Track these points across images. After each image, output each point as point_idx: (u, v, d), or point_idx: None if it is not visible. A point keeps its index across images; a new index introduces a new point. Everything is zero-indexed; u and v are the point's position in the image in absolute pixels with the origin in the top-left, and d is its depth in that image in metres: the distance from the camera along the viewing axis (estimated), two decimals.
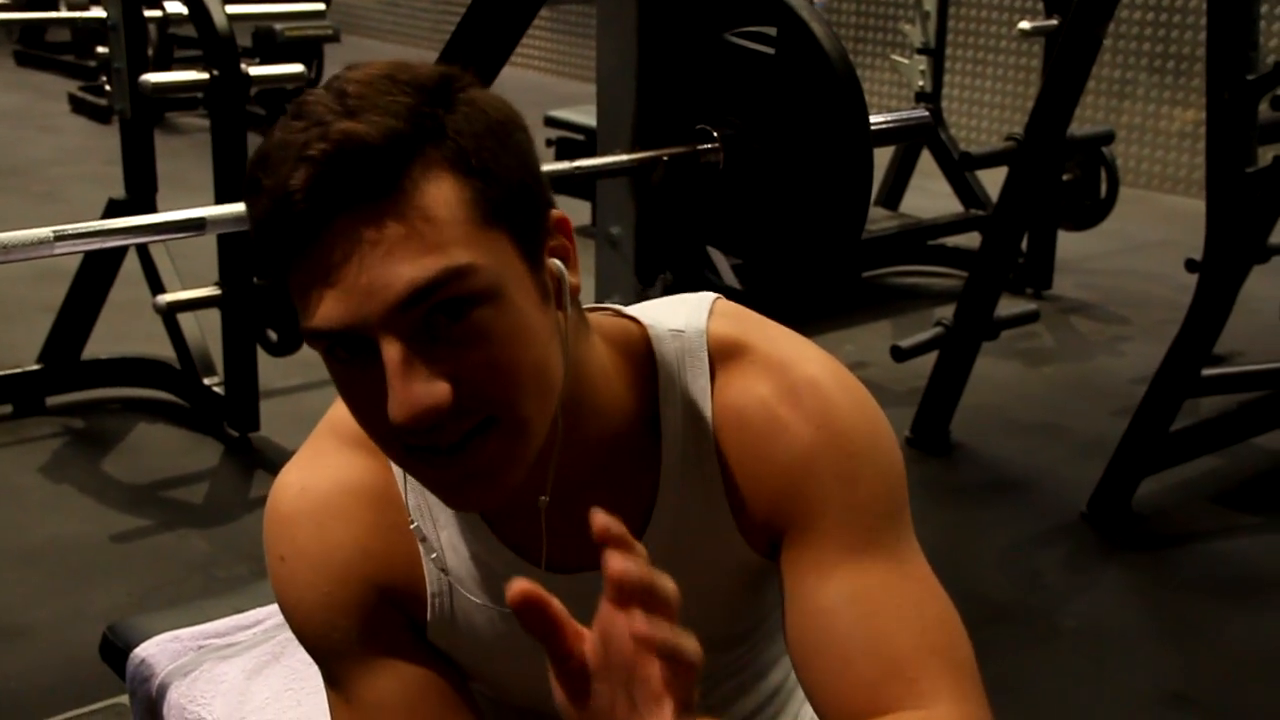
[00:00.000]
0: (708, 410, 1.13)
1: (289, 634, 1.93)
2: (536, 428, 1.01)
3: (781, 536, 1.14)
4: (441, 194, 0.94)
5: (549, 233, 1.04)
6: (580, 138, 5.88)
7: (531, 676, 1.14)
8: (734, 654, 1.29)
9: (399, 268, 0.92)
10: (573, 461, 1.10)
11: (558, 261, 1.04)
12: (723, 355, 1.15)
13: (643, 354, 1.14)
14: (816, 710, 1.12)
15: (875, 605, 1.09)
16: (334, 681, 1.17)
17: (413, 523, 1.16)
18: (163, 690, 1.83)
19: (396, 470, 1.15)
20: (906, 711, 1.05)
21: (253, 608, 2.01)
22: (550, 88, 9.45)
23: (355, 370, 0.96)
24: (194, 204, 3.79)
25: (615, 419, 1.12)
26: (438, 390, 0.93)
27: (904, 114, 2.50)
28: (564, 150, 6.08)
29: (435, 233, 0.93)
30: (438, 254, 0.93)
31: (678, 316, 1.16)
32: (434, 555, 1.16)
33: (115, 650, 1.94)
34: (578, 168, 2.34)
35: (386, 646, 1.14)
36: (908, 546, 1.13)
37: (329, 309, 0.93)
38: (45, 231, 1.85)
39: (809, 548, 1.11)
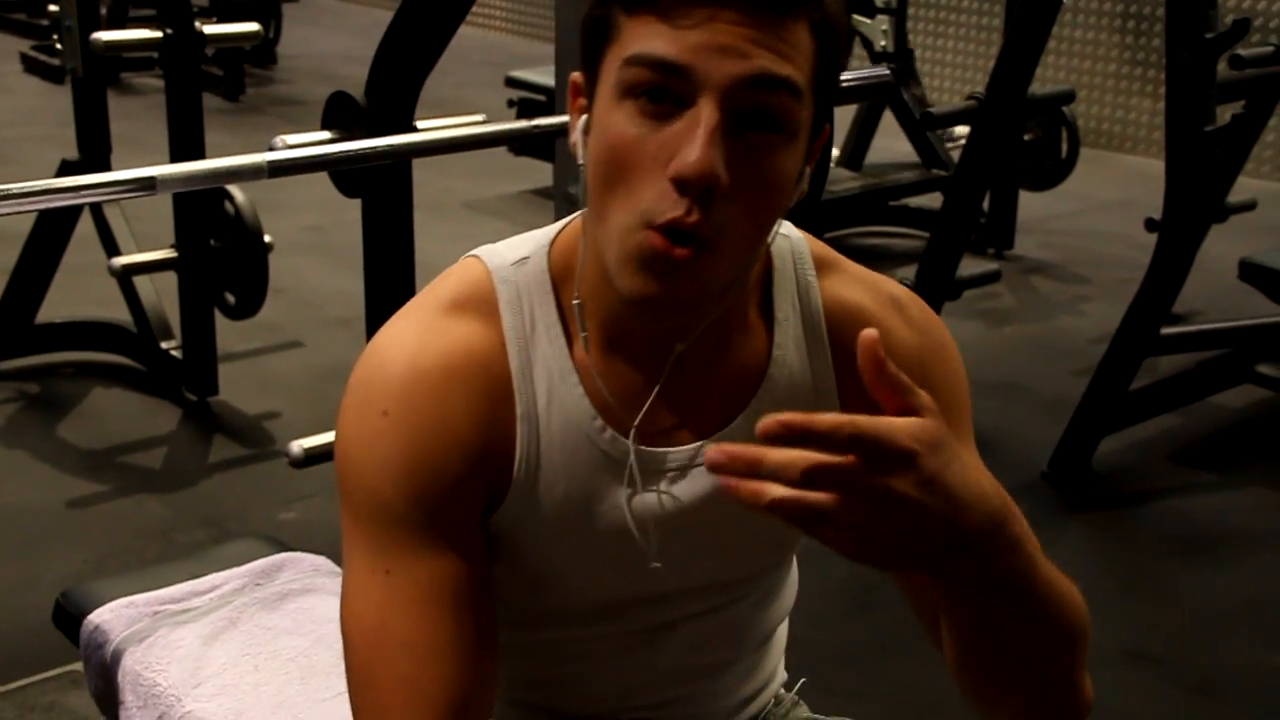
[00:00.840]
0: (820, 304, 1.24)
1: (245, 599, 1.91)
2: (736, 269, 1.11)
3: None
4: (806, 42, 1.06)
5: (823, 135, 1.15)
6: (542, 98, 5.85)
7: (595, 558, 1.21)
8: (785, 558, 1.36)
9: (762, 55, 1.03)
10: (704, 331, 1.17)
11: (809, 168, 1.14)
12: (823, 265, 1.26)
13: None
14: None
15: None
16: (374, 547, 1.15)
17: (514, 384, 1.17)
18: (117, 656, 1.80)
19: (507, 327, 1.18)
20: None
21: (209, 573, 1.98)
22: (511, 48, 9.39)
23: (646, 120, 1.05)
24: (150, 164, 3.76)
25: (746, 291, 1.21)
26: (725, 169, 1.03)
27: (865, 73, 2.48)
28: (525, 111, 6.04)
29: (795, 56, 1.05)
30: (789, 68, 1.04)
31: (781, 224, 1.25)
32: (529, 418, 1.18)
33: (69, 617, 1.91)
34: (535, 126, 2.32)
35: (447, 529, 1.15)
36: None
37: (683, 45, 1.03)
38: None
39: None
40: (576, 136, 1.13)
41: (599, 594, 1.26)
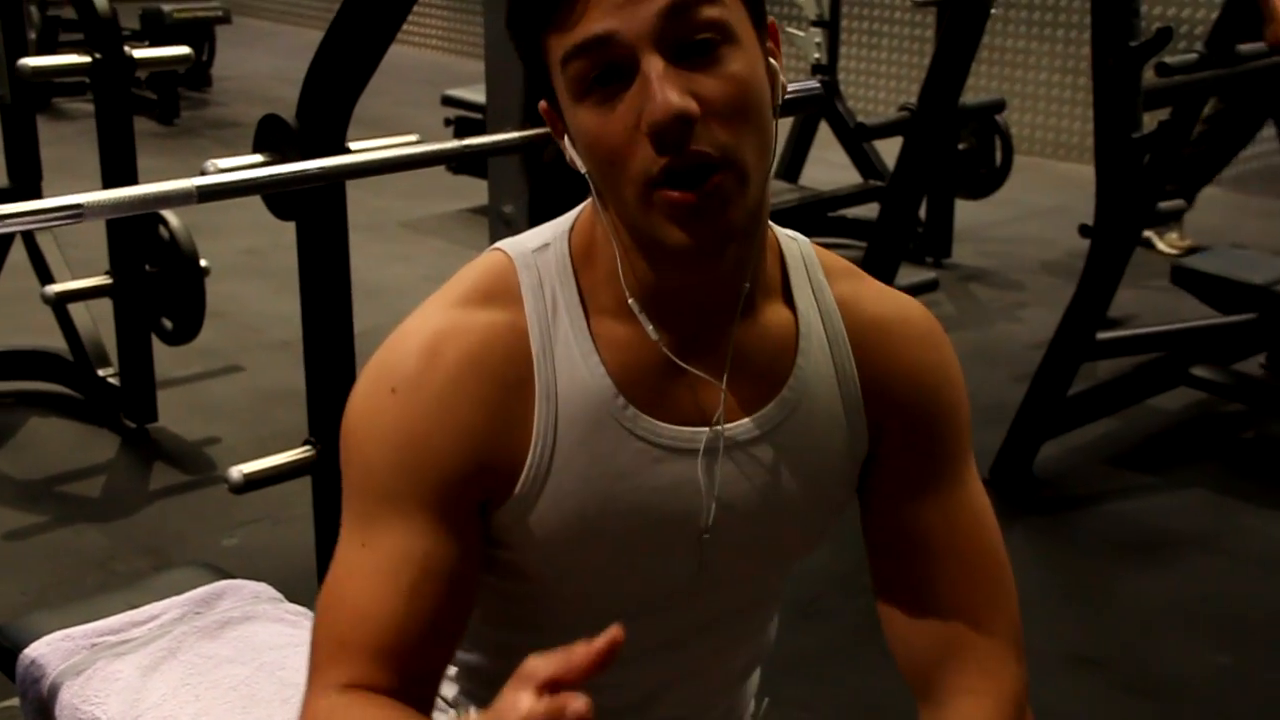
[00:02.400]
0: (834, 304, 1.26)
1: (185, 629, 1.89)
2: (755, 181, 1.11)
3: (881, 438, 1.28)
4: None
5: (768, 29, 1.16)
6: (479, 116, 5.83)
7: (605, 553, 1.21)
8: (788, 571, 1.37)
9: None
10: (748, 269, 1.19)
11: (774, 61, 1.16)
12: (835, 270, 1.29)
13: (774, 240, 1.26)
14: (908, 631, 1.28)
15: (982, 514, 1.29)
16: (358, 520, 1.17)
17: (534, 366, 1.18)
18: (54, 691, 1.78)
19: (529, 310, 1.19)
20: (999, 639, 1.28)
21: (148, 602, 1.95)
22: (448, 66, 9.38)
23: (607, 105, 1.08)
24: (82, 191, 3.72)
25: (769, 276, 1.23)
26: (690, 101, 1.05)
27: (797, 86, 2.49)
28: (462, 129, 6.04)
29: None
30: None
31: (785, 230, 1.29)
32: (548, 397, 1.19)
33: (3, 651, 1.88)
34: (467, 146, 2.31)
35: (432, 513, 1.16)
36: (977, 477, 1.31)
37: (598, 20, 1.06)
38: None
39: (918, 465, 1.27)
40: (570, 154, 1.16)
41: (619, 584, 1.25)
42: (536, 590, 1.26)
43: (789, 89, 1.39)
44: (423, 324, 1.19)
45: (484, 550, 1.21)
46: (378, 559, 1.15)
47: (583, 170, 1.15)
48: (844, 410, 1.26)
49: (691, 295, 1.18)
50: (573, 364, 1.19)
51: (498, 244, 1.25)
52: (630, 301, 1.18)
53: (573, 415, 1.19)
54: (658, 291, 1.18)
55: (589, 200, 1.21)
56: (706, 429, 1.21)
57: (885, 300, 1.29)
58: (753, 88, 1.11)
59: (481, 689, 1.35)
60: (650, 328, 1.18)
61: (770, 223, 1.26)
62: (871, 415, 1.27)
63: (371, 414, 1.18)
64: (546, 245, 1.22)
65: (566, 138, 1.15)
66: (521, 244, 1.23)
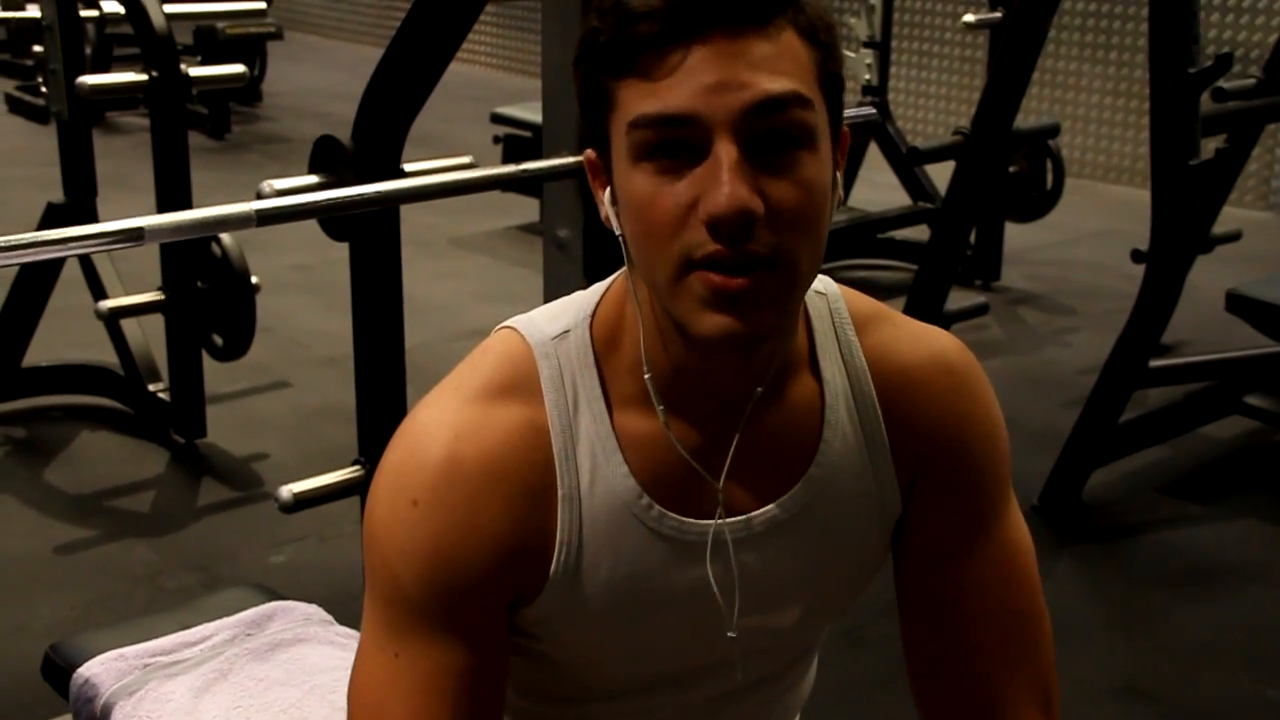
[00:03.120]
0: (863, 362, 1.23)
1: (237, 650, 1.90)
2: (802, 286, 1.09)
3: (915, 492, 1.25)
4: (798, 45, 1.05)
5: (843, 139, 1.13)
6: (528, 134, 5.86)
7: (635, 645, 1.20)
8: (824, 630, 1.35)
9: (759, 78, 1.02)
10: (771, 363, 1.17)
11: (838, 174, 1.13)
12: (866, 320, 1.25)
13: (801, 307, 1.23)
14: (932, 687, 1.27)
15: (1017, 570, 1.25)
16: (387, 628, 1.15)
17: (557, 463, 1.16)
18: (107, 710, 1.79)
19: (550, 406, 1.16)
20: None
21: (200, 623, 1.96)
22: (496, 83, 9.42)
23: (665, 176, 1.04)
24: (136, 206, 3.75)
25: (795, 353, 1.20)
26: (758, 200, 1.02)
27: (851, 111, 2.49)
28: (511, 147, 6.06)
29: (793, 66, 1.04)
30: (793, 80, 1.03)
31: (816, 282, 1.24)
32: (571, 500, 1.16)
33: (58, 670, 1.90)
34: (524, 171, 2.32)
35: (462, 623, 1.13)
36: (1019, 521, 1.28)
37: (679, 97, 1.02)
38: None
39: (952, 515, 1.24)
40: (607, 210, 1.12)
41: (653, 666, 1.23)
42: (565, 675, 1.24)
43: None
44: (439, 422, 1.15)
45: (511, 640, 1.19)
46: (416, 677, 1.12)
47: (617, 232, 1.12)
48: (874, 477, 1.23)
49: (711, 383, 1.15)
50: (595, 463, 1.16)
51: (512, 323, 1.20)
52: (647, 377, 1.15)
53: (596, 516, 1.16)
54: (678, 375, 1.15)
55: (615, 277, 1.19)
56: (725, 520, 1.18)
57: (917, 346, 1.25)
58: (819, 198, 1.07)
59: None
60: (661, 409, 1.15)
61: None
62: (902, 475, 1.24)
63: (394, 526, 1.14)
64: (567, 333, 1.18)
65: (608, 192, 1.11)
66: (539, 329, 1.18)
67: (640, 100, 1.03)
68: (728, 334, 1.05)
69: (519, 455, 1.14)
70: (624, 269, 1.17)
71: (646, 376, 1.15)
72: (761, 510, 1.19)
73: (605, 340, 1.18)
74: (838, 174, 1.12)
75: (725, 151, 1.01)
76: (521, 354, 1.17)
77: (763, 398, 1.16)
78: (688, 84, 1.01)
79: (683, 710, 1.28)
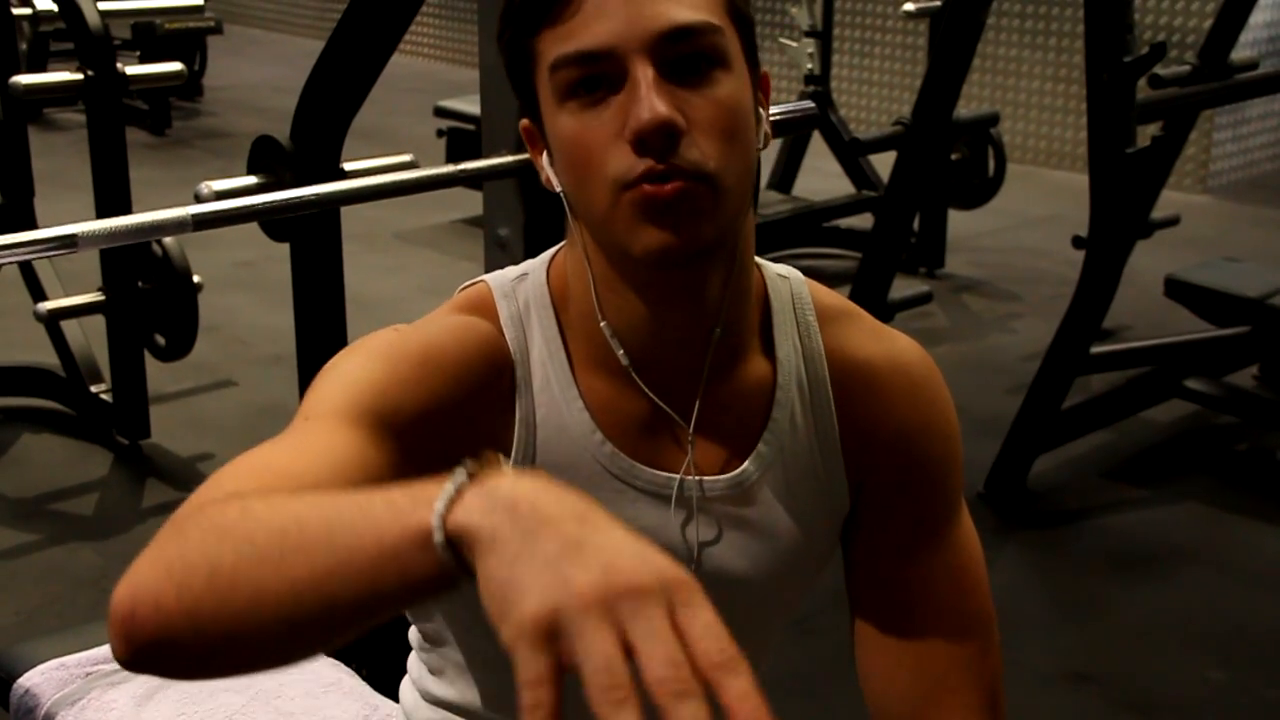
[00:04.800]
0: (821, 348, 1.23)
1: None
2: (731, 203, 1.09)
3: (864, 490, 1.25)
4: None
5: (760, 77, 1.15)
6: (472, 128, 5.82)
7: None
8: (772, 630, 1.33)
9: (668, 7, 1.05)
10: (723, 301, 1.16)
11: (761, 110, 1.14)
12: (830, 312, 1.25)
13: (759, 283, 1.23)
14: (882, 686, 1.26)
15: (966, 572, 1.26)
16: (307, 408, 1.08)
17: (515, 372, 1.16)
18: (49, 719, 1.78)
19: (510, 339, 1.17)
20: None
21: None
22: (439, 75, 9.37)
23: (589, 110, 1.06)
24: (76, 204, 3.72)
25: (748, 323, 1.20)
26: (677, 114, 1.04)
27: (790, 107, 2.50)
28: (455, 141, 6.03)
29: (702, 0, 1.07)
30: (702, 10, 1.06)
31: (778, 266, 1.27)
32: (527, 424, 1.16)
33: None
34: (463, 170, 2.31)
35: (401, 442, 1.07)
36: (969, 526, 1.28)
37: (594, 33, 1.04)
38: None
39: (904, 516, 1.24)
40: (547, 173, 1.13)
41: None
42: None
43: (783, 108, 1.36)
44: (405, 326, 1.17)
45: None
46: (317, 440, 1.03)
47: (558, 189, 1.12)
48: (823, 467, 1.23)
49: (663, 324, 1.15)
50: (551, 397, 1.17)
51: (479, 278, 1.23)
52: (602, 324, 1.15)
53: (549, 446, 1.17)
54: (630, 319, 1.15)
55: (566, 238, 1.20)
56: (679, 476, 1.19)
57: (879, 345, 1.25)
58: (740, 114, 1.09)
59: None
60: (621, 352, 1.15)
61: (760, 262, 1.24)
62: (852, 473, 1.24)
63: (367, 340, 1.14)
64: (525, 275, 1.20)
65: (545, 155, 1.13)
66: (501, 274, 1.21)
67: (556, 44, 1.06)
68: (664, 246, 1.06)
69: (487, 347, 1.15)
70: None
71: (602, 324, 1.15)
72: (713, 477, 1.20)
73: (561, 285, 1.19)
74: (760, 110, 1.14)
75: (642, 73, 1.04)
76: (483, 293, 1.19)
77: (714, 371, 1.17)
78: (599, 20, 1.04)
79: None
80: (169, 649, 0.86)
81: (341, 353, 1.15)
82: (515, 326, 1.17)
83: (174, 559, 0.87)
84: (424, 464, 1.07)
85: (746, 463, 1.20)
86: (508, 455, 1.15)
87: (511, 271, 1.21)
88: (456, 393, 1.13)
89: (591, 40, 1.04)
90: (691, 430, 1.18)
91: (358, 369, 1.11)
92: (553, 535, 0.74)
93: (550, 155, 1.12)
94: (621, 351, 1.15)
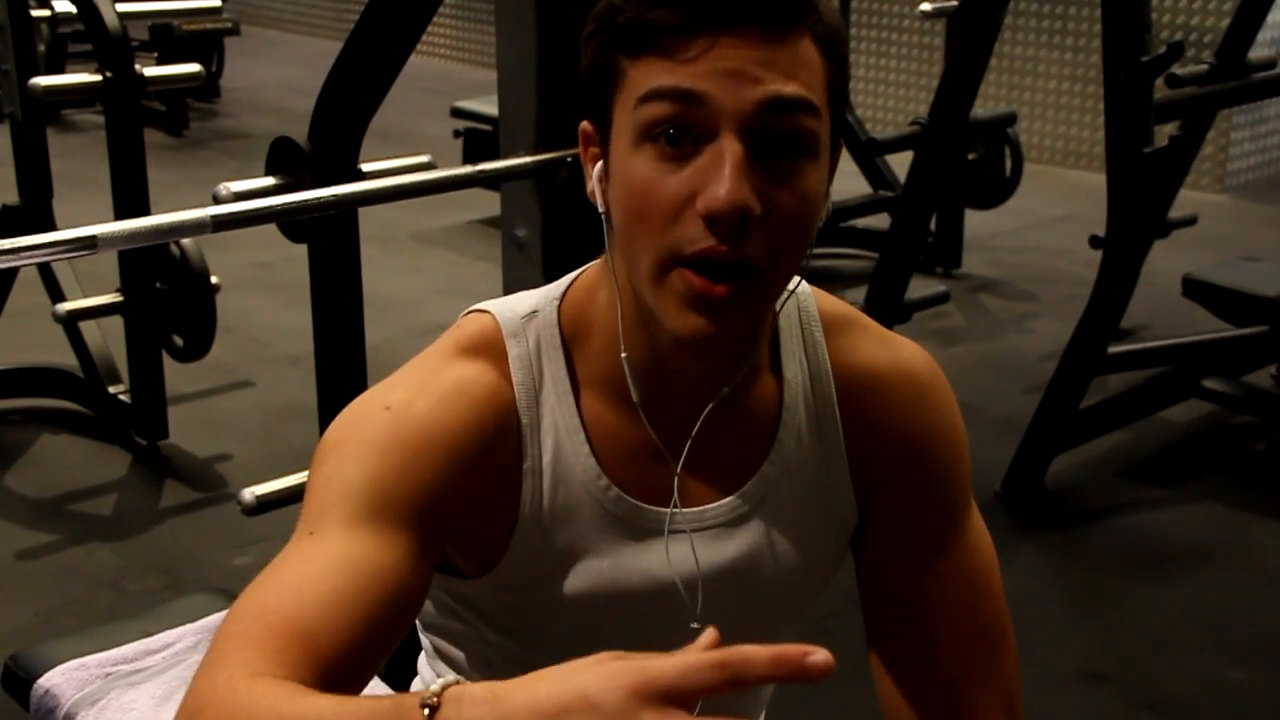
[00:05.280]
0: (827, 363, 1.22)
1: (199, 657, 1.89)
2: (777, 290, 1.10)
3: (872, 499, 1.24)
4: (813, 56, 1.05)
5: (839, 150, 1.14)
6: (488, 128, 5.83)
7: (597, 627, 1.17)
8: (785, 634, 1.32)
9: (774, 77, 1.02)
10: (738, 367, 1.16)
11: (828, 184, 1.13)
12: (835, 323, 1.24)
13: None
14: (896, 691, 1.26)
15: (980, 578, 1.25)
16: (312, 514, 1.08)
17: (523, 423, 1.16)
18: (69, 719, 1.78)
19: (517, 383, 1.16)
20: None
21: (162, 630, 1.95)
22: (456, 75, 9.38)
23: (667, 163, 1.03)
24: (94, 206, 3.72)
25: (758, 352, 1.19)
26: (756, 199, 1.01)
27: None
28: (471, 142, 6.04)
29: (807, 75, 1.04)
30: (805, 88, 1.03)
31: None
32: (534, 473, 1.16)
33: (18, 680, 1.88)
34: (481, 171, 2.31)
35: (411, 533, 1.07)
36: (981, 529, 1.27)
37: (696, 76, 1.01)
38: None
39: (911, 524, 1.23)
40: (593, 185, 1.11)
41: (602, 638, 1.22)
42: (529, 661, 1.24)
43: None
44: (409, 374, 1.15)
45: (481, 620, 1.19)
46: (327, 551, 1.04)
47: (601, 208, 1.11)
48: (830, 482, 1.23)
49: (680, 374, 1.15)
50: (558, 440, 1.16)
51: (481, 305, 1.20)
52: (623, 356, 1.14)
53: (556, 493, 1.16)
54: (650, 360, 1.14)
55: (585, 268, 1.19)
56: (680, 510, 1.18)
57: (884, 352, 1.24)
58: (813, 209, 1.07)
59: None
60: (634, 388, 1.14)
61: None
62: (859, 483, 1.24)
63: (359, 423, 1.11)
64: (535, 313, 1.18)
65: (598, 167, 1.10)
66: (509, 308, 1.18)
67: (656, 75, 1.03)
68: (701, 336, 1.05)
69: (492, 398, 1.14)
70: (591, 263, 1.17)
71: (623, 356, 1.14)
72: (715, 504, 1.19)
73: (573, 323, 1.18)
74: (829, 186, 1.11)
75: (730, 147, 1.01)
76: (490, 330, 1.17)
77: (716, 408, 1.16)
78: (706, 67, 1.01)
79: None
80: None
81: (334, 438, 1.12)
82: (524, 369, 1.16)
83: None
84: (437, 541, 1.11)
85: (748, 485, 1.20)
86: (512, 506, 1.15)
87: (521, 305, 1.18)
88: (457, 471, 1.11)
89: (694, 82, 1.01)
90: (678, 469, 1.17)
91: (353, 465, 1.09)
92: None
93: (604, 171, 1.09)
94: (634, 387, 1.15)
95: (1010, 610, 1.28)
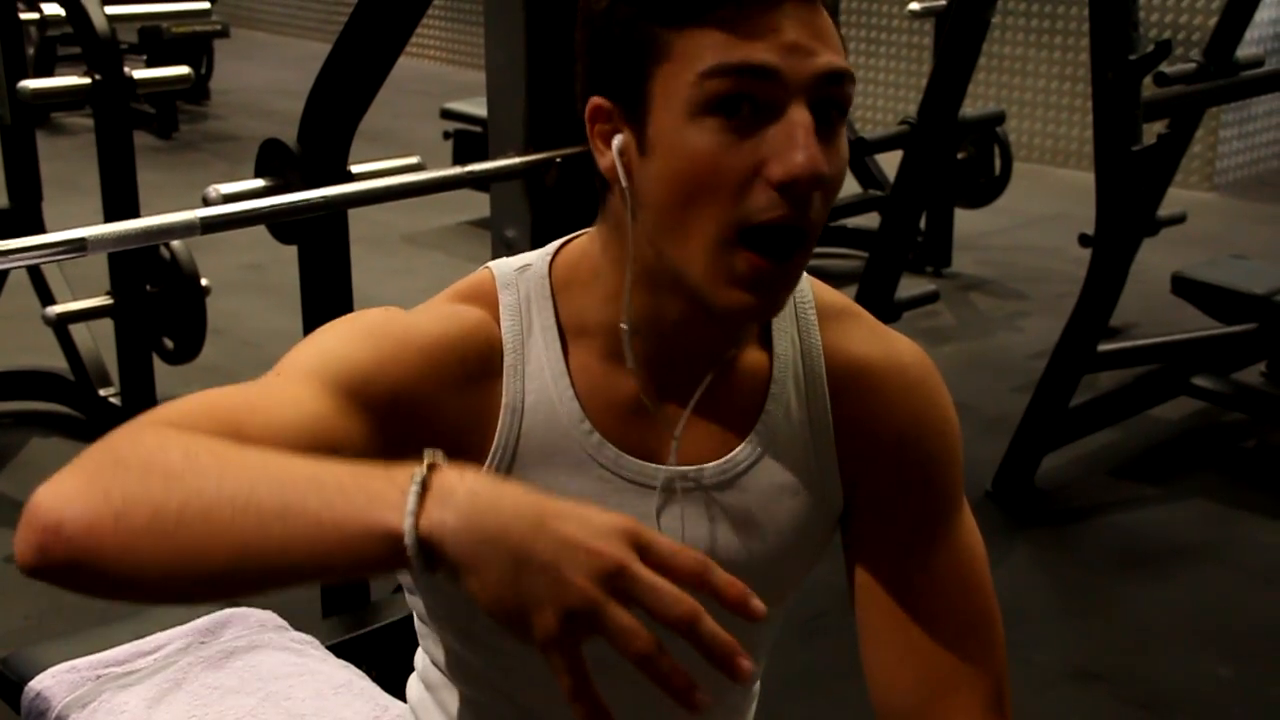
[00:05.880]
0: (819, 345, 1.23)
1: (191, 659, 1.89)
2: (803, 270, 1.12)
3: (856, 503, 1.25)
4: (833, 27, 1.09)
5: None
6: (478, 129, 5.84)
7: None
8: (776, 610, 1.32)
9: (826, 49, 1.05)
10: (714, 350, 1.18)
11: None
12: (830, 310, 1.25)
13: None
14: (885, 684, 1.26)
15: (969, 570, 1.25)
16: (293, 368, 1.08)
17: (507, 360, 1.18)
18: None
19: (505, 328, 1.18)
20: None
21: (153, 632, 1.95)
22: (447, 77, 9.38)
23: (731, 134, 1.04)
24: (84, 208, 3.72)
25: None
26: (826, 168, 1.04)
27: None
28: (461, 143, 6.04)
29: (839, 45, 1.08)
30: (843, 57, 1.07)
31: None
32: (513, 410, 1.17)
33: (9, 683, 1.87)
34: (470, 172, 2.31)
35: (372, 417, 1.09)
36: (971, 526, 1.27)
37: (764, 51, 1.03)
38: None
39: (901, 518, 1.24)
40: (613, 159, 1.10)
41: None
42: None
43: None
44: (418, 311, 1.19)
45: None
46: (286, 388, 1.05)
47: (623, 183, 1.10)
48: (816, 461, 1.23)
49: (689, 342, 1.17)
50: (542, 384, 1.18)
51: (487, 264, 1.24)
52: (623, 325, 1.16)
53: (534, 432, 1.17)
54: (655, 327, 1.16)
55: (586, 231, 1.21)
56: (664, 467, 1.19)
57: (877, 343, 1.25)
58: (843, 174, 1.10)
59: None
60: (630, 359, 1.17)
61: None
62: (847, 470, 1.24)
63: (356, 315, 1.16)
64: (528, 265, 1.21)
65: (619, 140, 1.09)
66: (506, 263, 1.23)
67: (720, 49, 1.03)
68: (747, 310, 1.08)
69: (480, 338, 1.17)
70: (584, 230, 1.20)
71: (623, 324, 1.16)
72: (702, 465, 1.20)
73: (564, 279, 1.20)
74: None
75: (801, 116, 1.03)
76: (485, 279, 1.21)
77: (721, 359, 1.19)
78: (773, 40, 1.03)
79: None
80: (89, 571, 0.90)
81: (329, 323, 1.16)
82: (514, 315, 1.18)
83: (112, 487, 0.90)
84: (385, 444, 1.10)
85: (736, 451, 1.21)
86: (488, 440, 1.16)
87: (515, 261, 1.22)
88: (431, 380, 1.13)
89: (763, 56, 1.03)
90: (679, 430, 1.19)
91: (339, 340, 1.12)
92: (529, 545, 0.84)
93: (627, 144, 1.09)
94: (631, 354, 1.17)
95: (1001, 609, 1.28)
